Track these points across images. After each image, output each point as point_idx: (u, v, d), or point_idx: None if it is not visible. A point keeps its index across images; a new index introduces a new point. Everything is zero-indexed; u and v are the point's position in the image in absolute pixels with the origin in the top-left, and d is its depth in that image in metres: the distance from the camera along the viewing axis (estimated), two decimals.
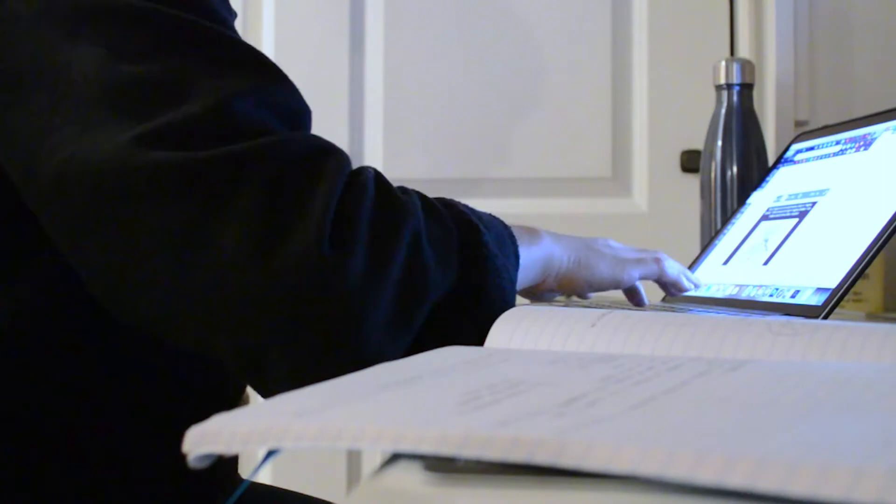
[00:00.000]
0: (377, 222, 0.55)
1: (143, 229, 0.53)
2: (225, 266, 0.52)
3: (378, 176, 0.58)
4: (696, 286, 0.87)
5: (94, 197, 0.53)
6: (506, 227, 0.66)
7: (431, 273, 0.56)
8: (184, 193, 0.52)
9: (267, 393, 0.56)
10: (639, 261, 0.79)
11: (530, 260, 0.69)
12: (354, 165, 0.58)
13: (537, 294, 0.78)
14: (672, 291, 0.84)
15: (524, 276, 0.68)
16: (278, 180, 0.53)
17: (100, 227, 0.54)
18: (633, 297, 0.84)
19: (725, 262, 0.94)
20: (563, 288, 0.76)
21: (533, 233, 0.72)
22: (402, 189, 0.60)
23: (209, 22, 0.59)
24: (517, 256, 0.65)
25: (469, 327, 0.57)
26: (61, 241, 0.57)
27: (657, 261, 0.81)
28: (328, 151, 0.57)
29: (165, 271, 0.53)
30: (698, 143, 1.28)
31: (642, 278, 0.80)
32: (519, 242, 0.66)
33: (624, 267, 0.78)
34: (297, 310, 0.52)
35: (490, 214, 0.66)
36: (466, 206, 0.64)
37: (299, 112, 0.61)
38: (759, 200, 0.98)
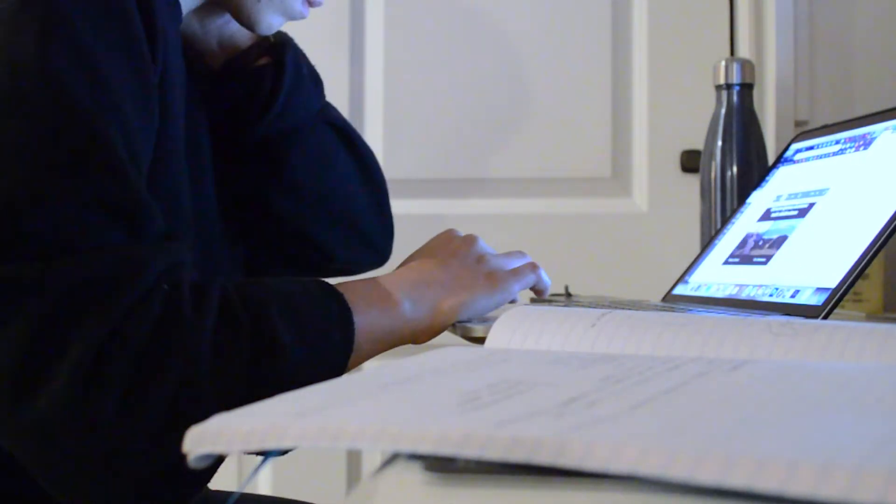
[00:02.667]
0: (143, 359, 0.54)
1: None
2: None
3: (171, 296, 0.57)
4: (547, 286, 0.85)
5: None
6: (341, 309, 0.63)
7: (207, 401, 0.55)
8: None
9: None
10: (516, 272, 0.76)
11: (375, 330, 0.66)
12: None
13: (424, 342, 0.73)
14: (543, 296, 0.82)
15: (368, 348, 0.66)
16: (48, 315, 0.53)
17: None
18: (539, 294, 0.82)
19: (725, 262, 0.94)
20: (441, 331, 0.72)
21: (385, 298, 0.68)
22: (200, 299, 0.58)
23: (85, 97, 0.56)
24: (349, 343, 0.62)
25: None
26: None
27: (533, 268, 0.78)
28: (121, 274, 0.55)
29: None
30: (698, 143, 1.28)
31: (524, 289, 0.77)
32: (360, 314, 0.64)
33: (503, 286, 0.74)
34: (53, 449, 0.54)
35: (325, 291, 0.63)
36: (286, 297, 0.61)
37: (130, 210, 0.58)
38: (759, 200, 0.98)
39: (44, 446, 0.54)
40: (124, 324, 0.54)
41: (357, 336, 0.63)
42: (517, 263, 0.79)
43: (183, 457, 0.54)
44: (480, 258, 0.76)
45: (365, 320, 0.65)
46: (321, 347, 0.61)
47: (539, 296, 0.82)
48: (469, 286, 0.72)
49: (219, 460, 0.59)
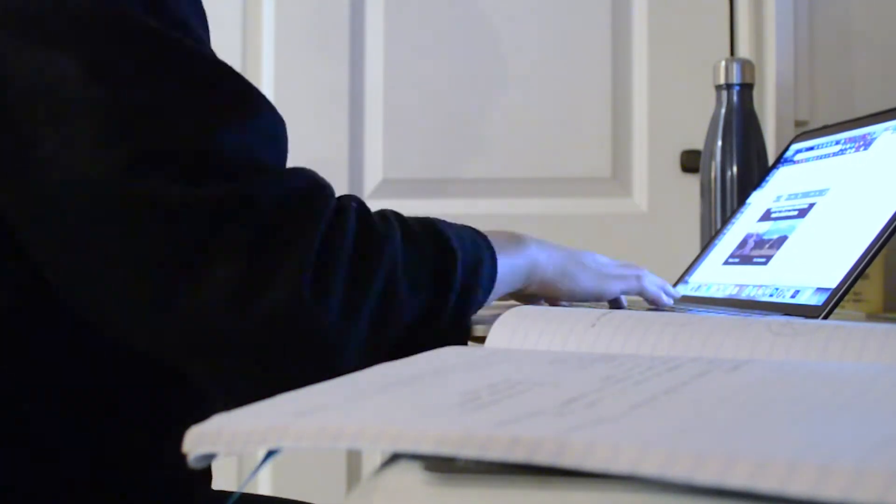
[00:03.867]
0: (356, 262, 0.58)
1: (132, 260, 0.54)
2: (205, 308, 0.54)
3: (360, 209, 0.61)
4: (676, 298, 0.88)
5: (89, 220, 0.54)
6: (486, 242, 0.69)
7: (405, 303, 0.60)
8: (174, 230, 0.54)
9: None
10: (621, 277, 0.81)
11: (512, 268, 0.72)
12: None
13: (522, 298, 0.80)
14: (652, 306, 0.86)
15: (506, 284, 0.72)
16: (262, 229, 0.55)
17: (91, 250, 0.55)
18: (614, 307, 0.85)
19: (725, 262, 0.94)
20: (546, 294, 0.79)
21: (518, 241, 0.75)
22: (384, 218, 0.63)
23: (191, 42, 0.59)
24: (493, 272, 0.68)
25: (431, 339, 0.60)
26: (43, 255, 0.58)
27: (638, 278, 0.82)
28: (312, 190, 0.59)
29: (149, 303, 0.55)
30: (698, 143, 1.28)
31: (623, 293, 0.82)
32: (500, 252, 0.70)
33: (606, 281, 0.80)
34: (274, 352, 0.56)
35: (472, 231, 0.69)
36: (448, 227, 0.67)
37: (280, 136, 0.62)
38: (759, 200, 0.98)
39: (270, 352, 0.55)
40: (331, 232, 0.57)
41: (499, 268, 0.69)
42: (627, 271, 0.83)
43: (382, 343, 0.59)
44: (595, 257, 0.82)
45: (503, 255, 0.70)
46: (478, 265, 0.66)
47: (654, 304, 0.86)
48: (580, 269, 0.79)
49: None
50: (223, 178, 0.56)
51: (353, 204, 0.61)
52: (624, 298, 0.84)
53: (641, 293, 0.83)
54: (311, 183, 0.60)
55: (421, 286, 0.62)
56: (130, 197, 0.54)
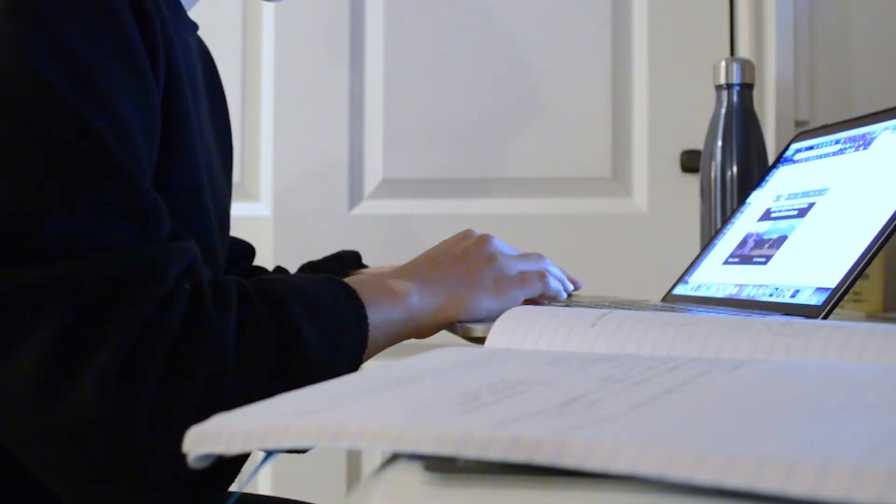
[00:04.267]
0: (172, 364, 0.54)
1: None
2: (10, 399, 0.52)
3: (194, 295, 0.57)
4: (577, 287, 0.85)
5: None
6: (353, 303, 0.64)
7: (236, 400, 0.54)
8: None
9: None
10: (522, 279, 0.77)
11: (386, 325, 0.67)
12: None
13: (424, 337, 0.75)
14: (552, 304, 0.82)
15: (382, 341, 0.67)
16: (75, 317, 0.52)
17: None
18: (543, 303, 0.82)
19: (725, 262, 0.94)
20: (441, 329, 0.74)
21: (395, 294, 0.69)
22: (223, 296, 0.58)
23: (71, 94, 0.56)
24: (364, 335, 0.64)
25: None
26: None
27: (541, 276, 0.78)
28: (142, 274, 0.55)
29: None
30: (698, 143, 1.28)
31: (528, 297, 0.77)
32: (372, 309, 0.65)
33: (507, 293, 0.75)
34: (78, 457, 0.53)
35: (339, 287, 0.65)
36: (302, 294, 0.62)
37: (139, 212, 0.57)
38: (759, 200, 0.98)
39: (71, 450, 0.53)
40: (151, 324, 0.54)
41: (371, 330, 0.65)
42: (527, 268, 0.78)
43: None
44: (491, 258, 0.76)
45: (377, 315, 0.66)
46: (340, 342, 0.62)
47: (551, 303, 0.82)
48: (474, 288, 0.73)
49: (240, 463, 0.58)
50: (47, 261, 0.53)
51: (186, 290, 0.57)
52: (556, 287, 0.80)
53: (545, 294, 0.79)
54: (143, 267, 0.56)
55: (257, 380, 0.57)
56: None
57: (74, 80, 0.56)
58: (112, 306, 0.53)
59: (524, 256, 0.80)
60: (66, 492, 0.55)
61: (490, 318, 0.74)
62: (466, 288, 0.73)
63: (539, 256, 0.82)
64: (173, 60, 0.65)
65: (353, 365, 0.63)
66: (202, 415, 0.53)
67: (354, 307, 0.64)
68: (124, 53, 0.60)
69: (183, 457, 0.53)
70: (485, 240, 0.78)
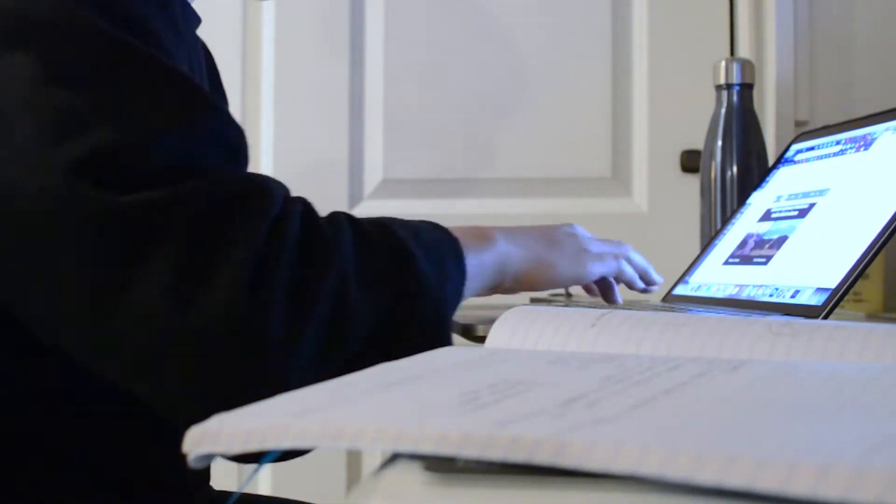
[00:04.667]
0: (299, 270, 0.54)
1: (65, 269, 0.53)
2: (142, 316, 0.52)
3: (306, 214, 0.58)
4: (656, 285, 0.86)
5: (27, 228, 0.53)
6: (451, 242, 0.65)
7: (359, 312, 0.56)
8: (107, 237, 0.52)
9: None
10: (600, 256, 0.78)
11: (481, 267, 0.68)
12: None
13: (497, 293, 0.77)
14: (629, 287, 0.83)
15: (475, 284, 0.68)
16: (199, 230, 0.53)
17: (26, 260, 0.54)
18: (606, 295, 0.83)
19: (725, 262, 0.94)
20: (523, 287, 0.75)
21: (485, 237, 0.71)
22: (333, 222, 0.59)
23: (143, 44, 0.58)
24: (463, 272, 0.65)
25: (409, 353, 0.56)
26: None
27: (617, 257, 0.79)
28: (254, 192, 0.56)
29: (85, 313, 0.53)
30: (698, 143, 1.28)
31: (602, 275, 0.79)
32: (467, 251, 0.66)
33: (584, 263, 0.77)
34: (214, 364, 0.52)
35: (435, 228, 0.66)
36: (406, 227, 0.63)
37: (230, 141, 0.59)
38: (759, 200, 0.98)
39: (209, 361, 0.52)
40: (273, 234, 0.54)
41: (467, 266, 0.65)
42: (607, 249, 0.80)
43: (335, 357, 0.54)
44: (571, 234, 0.78)
45: (470, 255, 0.66)
46: (444, 270, 0.63)
47: (630, 288, 0.83)
48: (556, 254, 0.75)
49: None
50: (159, 182, 0.54)
51: (299, 207, 0.58)
52: (615, 286, 0.81)
53: (619, 276, 0.80)
54: (253, 186, 0.57)
55: (377, 293, 0.58)
56: (65, 205, 0.52)
57: (133, 31, 0.58)
58: (231, 221, 0.54)
59: (606, 240, 0.82)
60: (195, 404, 0.54)
61: (563, 285, 0.77)
62: (549, 252, 0.75)
63: (620, 242, 0.83)
64: (185, 47, 0.66)
65: (455, 298, 0.64)
66: (331, 324, 0.54)
67: (452, 243, 0.65)
68: (165, 13, 0.62)
69: (313, 371, 0.53)
70: (566, 224, 0.80)
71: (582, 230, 0.80)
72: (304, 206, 0.59)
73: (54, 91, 0.55)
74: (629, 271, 0.81)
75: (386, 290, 0.58)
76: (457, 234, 0.66)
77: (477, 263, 0.67)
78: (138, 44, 0.57)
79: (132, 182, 0.53)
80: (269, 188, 0.57)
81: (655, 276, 0.85)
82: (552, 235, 0.77)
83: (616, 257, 0.79)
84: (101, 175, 0.53)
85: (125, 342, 0.53)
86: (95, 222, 0.52)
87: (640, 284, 0.83)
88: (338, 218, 0.60)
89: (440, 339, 0.61)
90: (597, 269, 0.78)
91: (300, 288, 0.54)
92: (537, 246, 0.74)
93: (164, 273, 0.52)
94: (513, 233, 0.74)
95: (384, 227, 0.62)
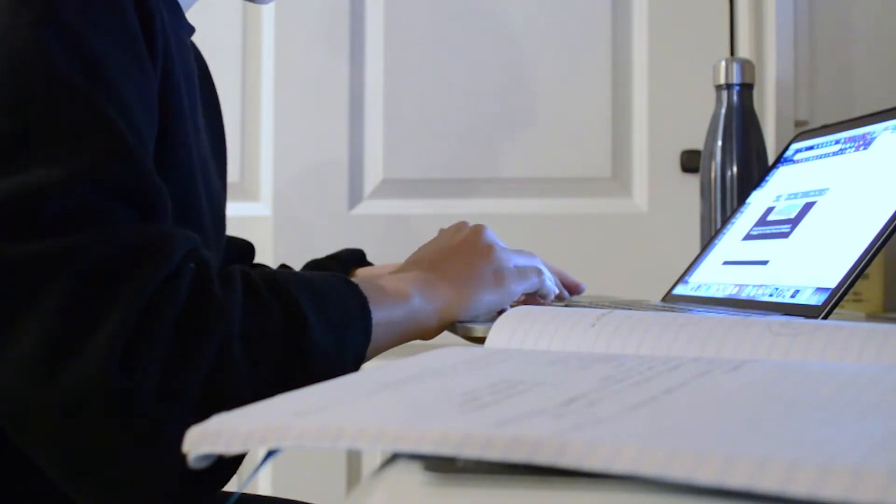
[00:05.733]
0: (179, 336, 0.53)
1: None
2: (15, 369, 0.51)
3: (198, 272, 0.56)
4: (578, 292, 0.85)
5: None
6: (357, 298, 0.63)
7: (241, 378, 0.54)
8: None
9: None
10: (522, 273, 0.77)
11: (389, 324, 0.66)
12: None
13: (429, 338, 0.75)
14: (543, 302, 0.82)
15: (384, 340, 0.66)
16: (82, 287, 0.52)
17: None
18: (537, 301, 0.82)
19: (725, 262, 0.94)
20: (445, 328, 0.73)
21: (398, 293, 0.69)
22: (228, 280, 0.58)
23: (90, 86, 0.56)
24: (367, 330, 0.63)
25: None
26: None
27: (539, 273, 0.78)
28: (148, 249, 0.54)
29: None
30: (698, 143, 1.28)
31: (526, 292, 0.78)
32: (375, 308, 0.64)
33: (506, 286, 0.75)
34: (80, 429, 0.51)
35: (343, 282, 0.64)
36: (309, 285, 0.61)
37: (146, 194, 0.57)
38: (759, 200, 0.98)
39: (76, 424, 0.51)
40: (157, 297, 0.53)
41: (374, 327, 0.64)
42: (524, 262, 0.79)
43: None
44: (488, 251, 0.76)
45: (380, 313, 0.65)
46: (344, 335, 0.61)
47: (542, 301, 0.82)
48: (475, 284, 0.73)
49: (240, 456, 0.58)
50: (52, 232, 0.52)
51: (192, 266, 0.56)
52: (550, 286, 0.80)
53: (539, 291, 0.79)
54: (150, 243, 0.55)
55: (264, 358, 0.56)
56: None
57: (84, 68, 0.57)
58: (116, 279, 0.52)
59: (518, 251, 0.80)
60: (66, 473, 0.54)
61: (490, 313, 0.74)
62: (467, 285, 0.73)
63: (531, 253, 0.82)
64: (171, 60, 0.66)
65: (356, 361, 0.63)
66: (208, 398, 0.52)
67: (359, 302, 0.64)
68: (130, 46, 0.60)
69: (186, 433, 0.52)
70: (479, 231, 0.78)
71: (493, 236, 0.78)
72: (200, 264, 0.57)
73: None
74: (549, 284, 0.80)
75: (275, 358, 0.56)
76: (367, 291, 0.65)
77: (386, 320, 0.66)
78: (81, 84, 0.56)
79: (25, 231, 0.52)
80: (165, 246, 0.55)
81: (573, 278, 0.85)
82: (468, 262, 0.75)
83: (537, 272, 0.79)
84: None
85: (1, 401, 0.52)
86: None
87: (556, 292, 0.82)
88: (233, 277, 0.58)
89: None
90: (519, 289, 0.76)
91: (178, 354, 0.53)
92: (455, 286, 0.72)
93: (36, 334, 0.51)
94: (428, 281, 0.72)
95: (280, 289, 0.60)
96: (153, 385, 0.51)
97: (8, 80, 0.56)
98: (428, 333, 0.71)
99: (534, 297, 0.81)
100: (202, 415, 0.52)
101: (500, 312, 0.65)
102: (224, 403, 0.51)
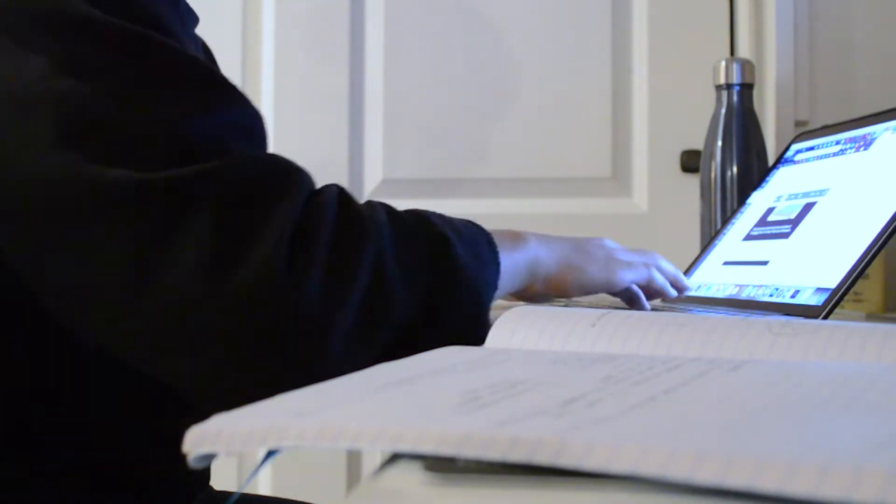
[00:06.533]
0: (337, 243, 0.54)
1: (97, 250, 0.52)
2: (178, 291, 0.51)
3: (342, 193, 0.58)
4: (685, 291, 0.86)
5: (50, 217, 0.53)
6: (485, 234, 0.65)
7: (396, 292, 0.55)
8: (139, 214, 0.52)
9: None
10: (630, 264, 0.78)
11: (513, 265, 0.68)
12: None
13: (527, 298, 0.77)
14: (659, 297, 0.83)
15: (508, 282, 0.67)
16: (232, 203, 0.52)
17: (55, 246, 0.53)
18: (633, 304, 0.82)
19: (725, 262, 0.94)
20: (553, 291, 0.75)
21: (517, 237, 0.71)
22: (369, 204, 0.59)
23: (161, 36, 0.58)
24: (497, 264, 0.64)
25: (443, 341, 0.54)
26: (13, 257, 0.56)
27: (648, 266, 0.79)
28: (287, 170, 0.56)
29: (119, 293, 0.52)
30: (698, 143, 1.28)
31: (633, 282, 0.79)
32: (501, 248, 0.65)
33: (615, 270, 0.77)
34: (252, 336, 0.51)
35: (468, 222, 0.65)
36: (440, 217, 0.63)
37: (253, 128, 0.59)
38: (759, 200, 0.98)
39: (246, 329, 0.51)
40: (308, 209, 0.54)
41: (501, 261, 0.64)
42: (636, 258, 0.80)
43: (373, 336, 0.53)
44: (601, 245, 0.78)
45: (504, 253, 0.66)
46: (480, 256, 0.62)
47: (661, 297, 0.82)
48: (586, 261, 0.75)
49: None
50: (186, 162, 0.53)
51: (334, 188, 0.58)
52: (642, 294, 0.81)
53: (649, 285, 0.80)
54: (284, 164, 0.57)
55: (415, 273, 0.57)
56: (90, 190, 0.52)
57: (151, 23, 0.58)
58: (264, 196, 0.53)
59: (635, 250, 0.81)
60: (220, 382, 0.53)
61: (594, 291, 0.77)
62: (579, 257, 0.75)
63: (651, 252, 0.83)
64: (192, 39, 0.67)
65: (492, 288, 0.63)
66: (369, 305, 0.53)
67: (487, 238, 0.64)
68: (177, 10, 0.63)
69: (352, 350, 0.52)
70: (597, 237, 0.81)
71: (612, 242, 0.81)
72: (339, 188, 0.58)
73: (68, 85, 0.54)
74: (660, 280, 0.80)
75: (424, 271, 0.57)
76: (490, 231, 0.66)
77: (509, 262, 0.66)
78: (157, 35, 0.57)
79: (159, 163, 0.53)
80: (299, 169, 0.57)
81: (685, 283, 0.85)
82: (582, 243, 0.77)
83: (647, 266, 0.79)
84: (125, 161, 0.52)
85: (158, 318, 0.52)
86: (124, 201, 0.52)
87: (672, 293, 0.83)
88: (372, 203, 0.60)
89: (478, 327, 0.59)
90: (627, 277, 0.77)
91: (338, 260, 0.53)
92: (568, 251, 0.74)
93: (198, 246, 0.51)
94: (544, 237, 0.74)
95: (419, 215, 0.61)
96: (319, 288, 0.52)
97: (82, 48, 0.56)
98: (537, 289, 0.73)
99: (648, 293, 0.81)
100: (366, 322, 0.53)
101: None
102: (384, 310, 0.54)
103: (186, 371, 0.54)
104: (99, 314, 0.54)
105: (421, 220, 0.61)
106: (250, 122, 0.59)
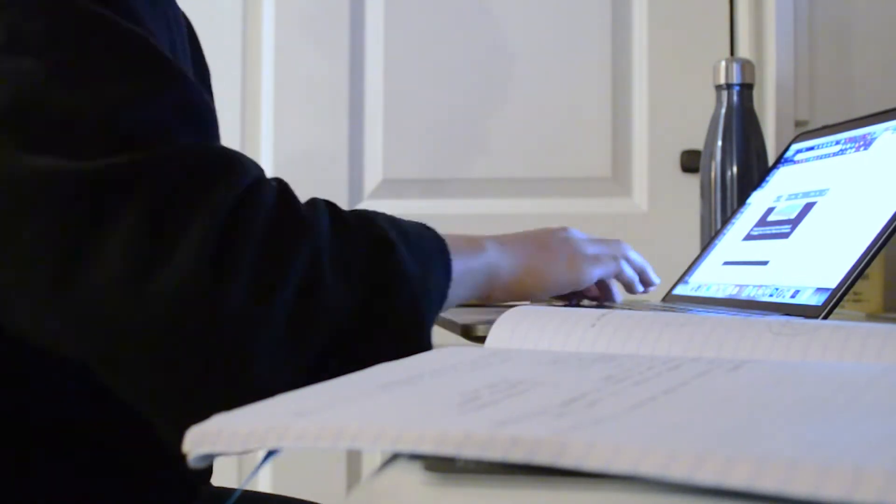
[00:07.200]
0: (269, 242, 0.52)
1: (17, 244, 0.50)
2: (101, 286, 0.49)
3: (282, 190, 0.55)
4: (653, 286, 0.84)
5: None
6: (438, 240, 0.62)
7: (330, 296, 0.53)
8: (67, 205, 0.50)
9: (154, 417, 0.53)
10: (597, 258, 0.76)
11: (468, 272, 0.66)
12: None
13: (490, 304, 0.74)
14: (628, 290, 0.81)
15: (462, 290, 0.65)
16: (162, 197, 0.50)
17: None
18: (604, 296, 0.81)
19: (725, 262, 0.94)
20: (515, 297, 0.72)
21: (474, 242, 0.68)
22: (312, 203, 0.57)
23: (117, 17, 0.55)
24: (448, 271, 0.61)
25: (384, 350, 0.52)
26: None
27: (615, 259, 0.77)
28: (224, 162, 0.53)
29: (41, 290, 0.50)
30: (698, 143, 1.28)
31: (602, 277, 0.77)
32: (455, 255, 0.62)
33: (580, 267, 0.74)
34: (174, 338, 0.49)
35: (423, 226, 0.63)
36: (389, 219, 0.60)
37: (199, 114, 0.56)
38: (759, 200, 0.98)
39: (168, 332, 0.49)
40: (242, 208, 0.51)
41: (454, 269, 0.62)
42: (603, 250, 0.77)
43: (304, 370, 0.50)
44: (566, 240, 0.76)
45: (458, 260, 0.63)
46: (428, 266, 0.59)
47: (629, 291, 0.81)
48: (549, 261, 0.73)
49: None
50: (122, 150, 0.51)
51: (274, 183, 0.55)
52: (614, 286, 0.79)
53: (618, 277, 0.78)
54: (224, 157, 0.53)
55: (353, 277, 0.54)
56: (16, 177, 0.50)
57: (115, 7, 0.56)
58: (196, 190, 0.51)
59: (601, 240, 0.79)
60: (156, 389, 0.52)
61: (559, 292, 0.74)
62: (541, 260, 0.72)
63: (618, 241, 0.81)
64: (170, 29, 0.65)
65: (440, 300, 0.60)
66: (300, 310, 0.50)
67: (439, 244, 0.62)
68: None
69: (281, 358, 0.49)
70: (562, 228, 0.78)
71: (577, 232, 0.78)
72: (280, 183, 0.56)
73: (14, 58, 0.52)
74: (629, 272, 0.79)
75: (362, 276, 0.55)
76: (445, 236, 0.64)
77: (463, 269, 0.64)
78: (112, 15, 0.55)
79: (92, 150, 0.51)
80: (240, 161, 0.54)
81: (653, 277, 0.84)
82: (545, 241, 0.74)
83: (614, 258, 0.78)
84: (55, 146, 0.50)
85: (82, 315, 0.50)
86: (52, 191, 0.50)
87: (640, 287, 0.82)
88: (315, 201, 0.57)
89: (417, 341, 0.57)
90: (595, 272, 0.75)
91: (268, 260, 0.51)
92: (528, 254, 0.72)
93: (124, 244, 0.49)
94: (503, 241, 0.71)
95: (365, 217, 0.59)
96: (245, 290, 0.50)
97: (33, 22, 0.54)
98: (498, 295, 0.70)
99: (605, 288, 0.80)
100: (297, 325, 0.51)
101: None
102: (316, 314, 0.52)
103: (112, 372, 0.52)
104: (24, 312, 0.52)
105: (365, 222, 0.58)
106: (196, 110, 0.56)
